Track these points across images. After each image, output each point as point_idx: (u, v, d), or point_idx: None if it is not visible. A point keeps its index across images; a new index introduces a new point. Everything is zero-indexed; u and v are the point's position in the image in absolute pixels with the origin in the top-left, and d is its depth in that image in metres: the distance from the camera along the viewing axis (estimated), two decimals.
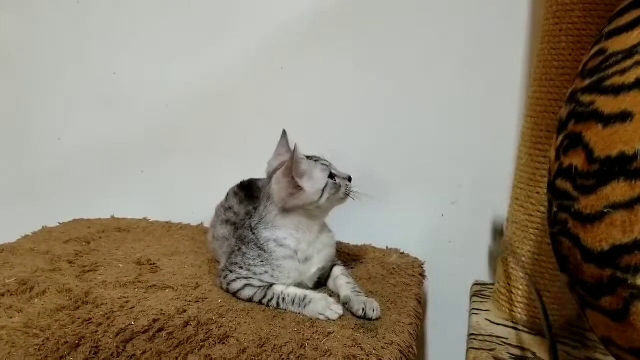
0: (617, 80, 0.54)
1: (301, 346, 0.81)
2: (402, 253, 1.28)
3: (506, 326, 1.02)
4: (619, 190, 0.51)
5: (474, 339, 0.97)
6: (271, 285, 0.97)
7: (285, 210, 0.97)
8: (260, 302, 0.96)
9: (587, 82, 0.60)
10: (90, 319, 0.86)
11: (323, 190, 0.96)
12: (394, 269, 1.17)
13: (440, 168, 1.29)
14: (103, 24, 1.50)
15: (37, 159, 1.65)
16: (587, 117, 0.57)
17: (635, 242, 0.50)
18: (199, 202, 1.41)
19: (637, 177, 0.50)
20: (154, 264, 1.13)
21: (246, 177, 1.23)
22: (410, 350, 0.88)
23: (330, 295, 0.97)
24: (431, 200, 1.32)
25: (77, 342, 0.80)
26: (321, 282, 1.05)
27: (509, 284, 1.06)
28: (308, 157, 0.98)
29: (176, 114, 1.48)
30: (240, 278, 0.98)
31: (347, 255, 1.22)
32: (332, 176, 0.98)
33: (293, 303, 0.94)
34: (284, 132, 1.08)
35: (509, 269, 1.06)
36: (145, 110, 1.51)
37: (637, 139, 0.50)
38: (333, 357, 0.79)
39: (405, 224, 1.34)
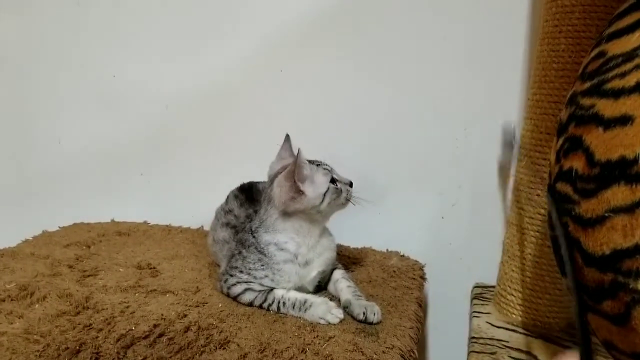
0: (618, 83, 0.54)
1: (302, 351, 0.81)
2: (403, 256, 1.28)
3: (507, 329, 1.02)
4: (619, 194, 0.51)
5: (475, 342, 0.97)
6: (271, 289, 0.97)
7: (286, 214, 0.97)
8: (260, 307, 0.96)
9: (587, 85, 0.59)
10: (90, 324, 0.86)
11: (324, 195, 0.96)
12: (394, 271, 1.17)
13: (440, 170, 1.29)
14: (103, 27, 1.49)
15: (37, 161, 1.64)
16: (587, 120, 0.57)
17: (636, 246, 0.50)
18: (199, 205, 1.41)
19: (637, 181, 0.50)
20: (154, 268, 1.13)
21: (246, 180, 1.23)
22: (412, 354, 0.88)
23: (331, 299, 0.97)
24: (431, 203, 1.32)
25: (77, 347, 0.79)
26: (321, 286, 1.05)
27: (509, 287, 1.05)
28: (310, 162, 0.98)
29: (176, 117, 1.48)
30: (240, 282, 0.97)
31: (348, 259, 1.22)
32: (333, 181, 0.98)
33: (293, 307, 0.94)
34: (288, 136, 1.08)
35: (510, 270, 1.05)
36: (145, 113, 1.51)
37: (637, 142, 0.50)
38: None
39: (405, 226, 1.34)
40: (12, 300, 0.94)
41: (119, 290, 1.01)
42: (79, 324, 0.86)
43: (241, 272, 0.98)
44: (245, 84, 1.40)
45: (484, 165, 1.24)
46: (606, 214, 0.53)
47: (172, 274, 1.10)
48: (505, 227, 1.09)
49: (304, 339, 0.85)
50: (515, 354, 0.93)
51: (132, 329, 0.85)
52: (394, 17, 1.25)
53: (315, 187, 0.95)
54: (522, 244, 1.02)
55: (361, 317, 0.92)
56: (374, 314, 0.92)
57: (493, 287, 1.15)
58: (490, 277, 1.17)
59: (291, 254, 0.97)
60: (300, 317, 0.93)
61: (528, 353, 0.93)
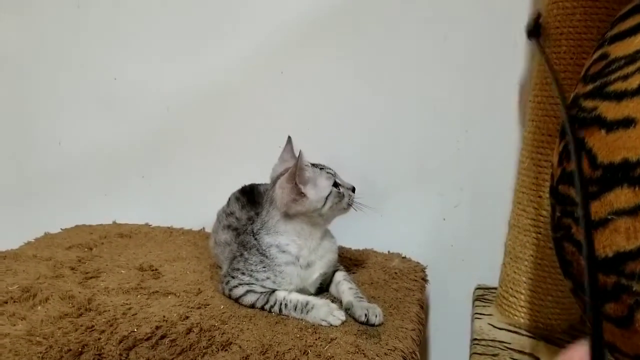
0: (620, 85, 0.54)
1: (304, 353, 0.81)
2: (404, 257, 1.28)
3: (509, 331, 1.02)
4: (622, 196, 0.51)
5: (477, 344, 0.97)
6: (273, 291, 0.97)
7: (288, 216, 0.97)
8: (262, 308, 0.96)
9: (590, 87, 0.59)
10: (93, 326, 0.86)
11: (326, 199, 0.96)
12: (395, 273, 1.17)
13: (441, 171, 1.29)
14: (103, 28, 1.50)
15: (37, 163, 1.65)
16: (589, 123, 0.57)
17: (639, 249, 0.50)
18: (200, 207, 1.41)
19: None
20: (156, 269, 1.13)
21: (248, 182, 1.23)
22: (414, 356, 0.88)
23: (333, 301, 0.97)
24: (432, 204, 1.32)
25: (80, 349, 0.79)
26: (323, 288, 1.05)
27: (512, 288, 1.05)
28: (313, 165, 0.98)
29: (177, 119, 1.48)
30: (242, 284, 0.97)
31: (349, 260, 1.22)
32: (336, 185, 0.98)
33: (295, 309, 0.94)
34: (290, 138, 1.08)
35: (511, 272, 1.05)
36: (146, 115, 1.51)
37: None
38: None
39: (406, 228, 1.34)
40: (14, 302, 0.94)
41: (121, 292, 1.01)
42: (81, 325, 0.86)
43: (243, 274, 0.98)
44: (246, 85, 1.40)
45: (486, 166, 1.25)
46: (609, 217, 0.53)
47: (174, 276, 1.10)
48: (507, 228, 1.09)
49: (306, 341, 0.85)
50: (517, 356, 0.93)
51: (134, 331, 0.85)
52: (394, 17, 1.26)
53: (317, 190, 0.96)
54: (524, 246, 1.02)
55: (363, 319, 0.92)
56: (376, 316, 0.92)
57: (495, 288, 1.15)
58: (492, 279, 1.17)
59: (293, 256, 0.97)
60: (302, 319, 0.93)
61: (530, 355, 0.93)
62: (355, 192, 1.02)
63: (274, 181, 1.01)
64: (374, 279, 1.13)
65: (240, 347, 0.82)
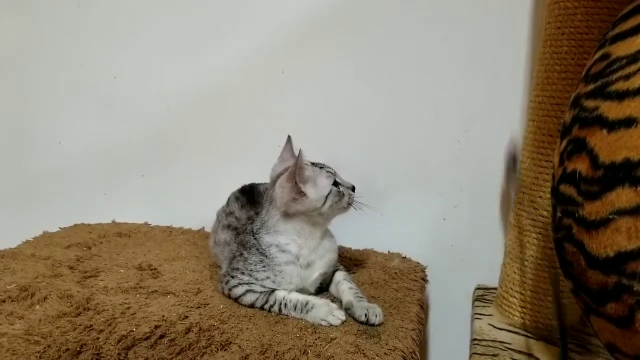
0: (622, 85, 0.54)
1: (304, 352, 0.81)
2: (404, 257, 1.28)
3: (509, 331, 1.02)
4: (624, 196, 0.51)
5: (477, 344, 0.97)
6: (273, 290, 0.96)
7: (288, 215, 0.97)
8: (262, 308, 0.96)
9: (591, 87, 0.59)
10: (91, 325, 0.85)
11: (326, 198, 0.96)
12: (395, 273, 1.17)
13: (441, 171, 1.29)
14: (103, 28, 1.50)
15: (37, 162, 1.64)
16: (591, 122, 0.57)
17: None
18: (199, 206, 1.41)
19: None
20: (155, 269, 1.13)
21: (247, 181, 1.23)
22: (413, 356, 0.88)
23: (333, 301, 0.97)
24: (432, 204, 1.31)
25: (78, 349, 0.79)
26: (323, 288, 1.05)
27: (511, 288, 1.05)
28: (313, 164, 0.98)
29: (177, 118, 1.48)
30: (242, 284, 0.97)
31: (349, 260, 1.22)
32: (336, 184, 0.98)
33: (295, 309, 0.93)
34: (289, 137, 1.08)
35: (512, 272, 1.05)
36: (146, 114, 1.51)
37: None
38: None
39: (406, 228, 1.34)
40: (12, 301, 0.94)
41: (119, 291, 1.00)
42: (80, 325, 0.85)
43: (242, 273, 0.98)
44: (246, 84, 1.40)
45: (486, 166, 1.24)
46: (610, 216, 0.52)
47: (173, 275, 1.10)
48: (507, 228, 1.09)
49: (306, 341, 0.85)
50: (517, 356, 0.92)
51: (133, 330, 0.85)
52: (394, 17, 1.25)
53: (317, 189, 0.95)
54: (524, 246, 1.02)
55: (363, 318, 0.92)
56: (376, 316, 0.92)
57: (495, 289, 1.15)
58: (492, 279, 1.17)
59: (293, 255, 0.97)
60: (301, 319, 0.93)
61: (530, 355, 0.93)
62: (355, 191, 1.02)
63: (274, 180, 1.00)
64: (374, 279, 1.13)
65: (239, 346, 0.82)
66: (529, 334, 1.00)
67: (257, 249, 0.98)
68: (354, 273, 1.15)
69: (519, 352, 0.94)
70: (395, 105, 1.30)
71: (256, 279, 0.96)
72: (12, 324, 0.85)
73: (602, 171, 0.54)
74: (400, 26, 1.26)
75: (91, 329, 0.84)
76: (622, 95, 0.53)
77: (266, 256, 0.96)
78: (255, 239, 0.99)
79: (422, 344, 1.06)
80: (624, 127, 0.52)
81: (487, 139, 1.23)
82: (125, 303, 0.94)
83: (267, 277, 0.96)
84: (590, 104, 0.58)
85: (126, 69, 1.50)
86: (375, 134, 1.32)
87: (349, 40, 1.30)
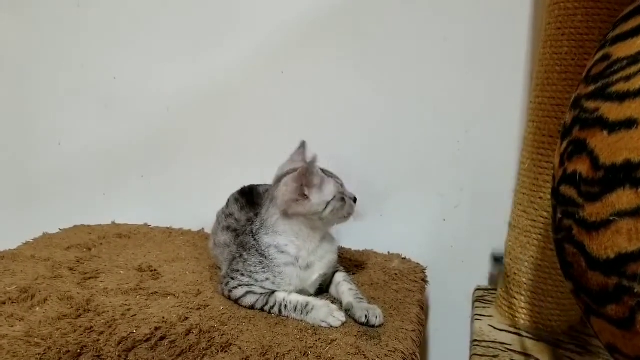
0: (622, 86, 0.54)
1: (304, 354, 0.81)
2: (404, 258, 1.28)
3: (509, 332, 1.02)
4: (624, 197, 0.51)
5: (477, 345, 0.96)
6: (273, 292, 0.96)
7: (287, 216, 0.97)
8: (262, 310, 0.96)
9: (592, 88, 0.59)
10: (92, 327, 0.85)
11: (328, 204, 0.96)
12: (395, 274, 1.17)
13: (441, 171, 1.29)
14: (103, 28, 1.49)
15: (37, 163, 1.64)
16: (591, 124, 0.57)
17: None
18: (199, 207, 1.40)
19: None
20: (155, 270, 1.12)
21: (247, 183, 1.22)
22: (414, 357, 0.88)
23: (333, 302, 0.97)
24: (432, 205, 1.31)
25: (78, 351, 0.79)
26: (323, 289, 1.05)
27: (511, 290, 1.05)
28: (322, 170, 0.99)
29: (176, 119, 1.48)
30: (242, 285, 0.97)
31: (349, 261, 1.22)
32: (340, 193, 0.98)
33: (295, 310, 0.93)
34: (304, 142, 1.09)
35: (512, 273, 1.05)
36: (145, 115, 1.51)
37: None
38: None
39: (406, 228, 1.34)
40: (12, 303, 0.94)
41: (120, 292, 1.00)
42: (80, 326, 0.85)
43: (242, 275, 0.98)
44: (246, 85, 1.40)
45: (486, 166, 1.24)
46: (611, 218, 0.52)
47: (173, 277, 1.10)
48: (508, 229, 1.09)
49: (306, 342, 0.84)
50: (517, 357, 0.92)
51: (134, 332, 0.85)
52: (394, 17, 1.25)
53: (320, 195, 0.95)
54: (525, 247, 1.02)
55: (363, 320, 0.92)
56: (376, 317, 0.92)
57: (495, 289, 1.15)
58: (491, 280, 1.17)
59: (292, 256, 0.97)
60: (302, 320, 0.93)
61: (530, 356, 0.93)
62: (357, 203, 1.03)
63: (279, 178, 1.00)
64: (374, 280, 1.13)
65: (240, 348, 0.82)
66: (529, 335, 1.00)
67: (257, 250, 0.97)
68: (354, 274, 1.14)
69: (519, 353, 0.94)
70: (395, 106, 1.30)
71: (256, 280, 0.96)
72: (12, 326, 0.85)
73: (602, 172, 0.54)
74: (400, 26, 1.26)
75: (91, 331, 0.84)
76: (622, 97, 0.53)
77: (265, 257, 0.96)
78: (254, 239, 0.99)
79: (422, 345, 1.06)
80: (625, 128, 0.52)
81: (487, 139, 1.23)
82: (126, 304, 0.94)
83: (267, 279, 0.96)
84: (590, 105, 0.58)
85: (126, 69, 1.50)
86: (375, 134, 1.32)
87: (348, 40, 1.30)
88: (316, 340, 0.85)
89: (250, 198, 1.15)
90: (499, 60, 1.20)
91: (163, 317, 0.90)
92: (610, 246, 0.53)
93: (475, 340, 0.98)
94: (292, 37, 1.33)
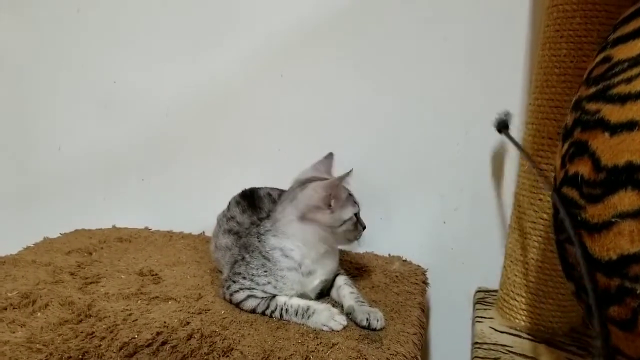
0: (623, 88, 0.54)
1: (306, 358, 0.81)
2: (405, 261, 1.28)
3: (511, 334, 1.02)
4: (626, 199, 0.51)
5: (479, 347, 0.96)
6: (274, 296, 0.96)
7: (301, 220, 0.96)
8: (263, 313, 0.96)
9: (593, 90, 0.59)
10: (93, 332, 0.85)
11: (345, 222, 0.97)
12: (396, 277, 1.17)
13: (441, 173, 1.29)
14: (103, 33, 1.50)
15: (37, 168, 1.64)
16: (593, 126, 0.57)
17: None
18: (200, 211, 1.40)
19: None
20: (156, 274, 1.12)
21: (247, 184, 1.22)
22: None
23: (334, 305, 0.97)
24: (433, 207, 1.31)
25: (80, 356, 0.79)
26: (324, 292, 1.04)
27: (512, 291, 1.05)
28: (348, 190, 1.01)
29: (176, 123, 1.48)
30: (243, 289, 0.97)
31: (350, 264, 1.22)
32: (356, 216, 1.00)
33: (296, 314, 0.93)
34: (331, 154, 1.10)
35: (512, 275, 1.05)
36: (146, 118, 1.51)
37: None
38: None
39: (407, 231, 1.34)
40: (14, 308, 0.93)
41: (121, 297, 1.00)
42: (82, 332, 0.85)
43: (244, 278, 0.97)
44: (245, 87, 1.40)
45: (486, 168, 1.24)
46: (613, 219, 0.52)
47: (174, 281, 1.09)
48: (508, 231, 1.09)
49: (308, 346, 0.84)
50: (518, 359, 0.92)
51: (135, 337, 0.84)
52: (394, 18, 1.26)
53: (341, 212, 0.97)
54: (525, 249, 1.02)
55: (364, 323, 0.92)
56: (377, 320, 0.92)
57: (496, 291, 1.14)
58: (492, 282, 1.17)
59: (295, 262, 0.96)
60: (303, 324, 0.93)
61: (532, 358, 0.93)
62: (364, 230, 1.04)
63: (303, 181, 1.00)
64: (374, 283, 1.13)
65: (241, 352, 0.82)
66: (530, 337, 1.00)
67: (260, 252, 0.97)
68: (354, 277, 1.14)
69: (521, 355, 0.94)
70: (395, 106, 1.30)
71: (257, 284, 0.96)
72: (14, 332, 0.85)
73: (604, 174, 0.54)
74: (400, 26, 1.26)
75: (93, 336, 0.84)
76: (624, 99, 0.53)
77: (269, 260, 0.96)
78: (259, 241, 0.98)
79: (423, 347, 1.06)
80: (626, 130, 0.52)
81: (487, 140, 1.23)
82: (127, 309, 0.94)
83: (269, 282, 0.96)
84: (591, 107, 0.58)
85: (126, 72, 1.50)
86: (375, 134, 1.32)
87: (348, 40, 1.30)
88: (317, 344, 0.85)
89: (251, 201, 1.15)
90: (499, 60, 1.20)
91: (164, 322, 0.89)
92: (612, 248, 0.53)
93: (477, 343, 0.98)
94: (292, 37, 1.34)
